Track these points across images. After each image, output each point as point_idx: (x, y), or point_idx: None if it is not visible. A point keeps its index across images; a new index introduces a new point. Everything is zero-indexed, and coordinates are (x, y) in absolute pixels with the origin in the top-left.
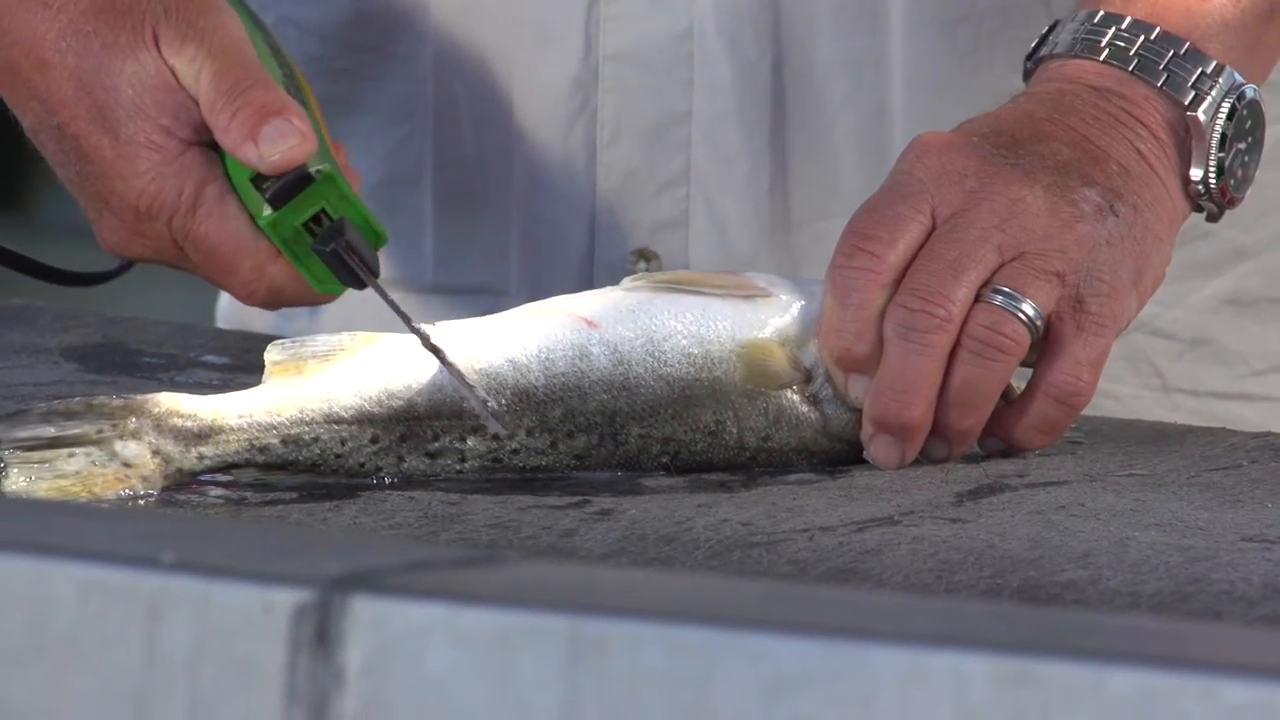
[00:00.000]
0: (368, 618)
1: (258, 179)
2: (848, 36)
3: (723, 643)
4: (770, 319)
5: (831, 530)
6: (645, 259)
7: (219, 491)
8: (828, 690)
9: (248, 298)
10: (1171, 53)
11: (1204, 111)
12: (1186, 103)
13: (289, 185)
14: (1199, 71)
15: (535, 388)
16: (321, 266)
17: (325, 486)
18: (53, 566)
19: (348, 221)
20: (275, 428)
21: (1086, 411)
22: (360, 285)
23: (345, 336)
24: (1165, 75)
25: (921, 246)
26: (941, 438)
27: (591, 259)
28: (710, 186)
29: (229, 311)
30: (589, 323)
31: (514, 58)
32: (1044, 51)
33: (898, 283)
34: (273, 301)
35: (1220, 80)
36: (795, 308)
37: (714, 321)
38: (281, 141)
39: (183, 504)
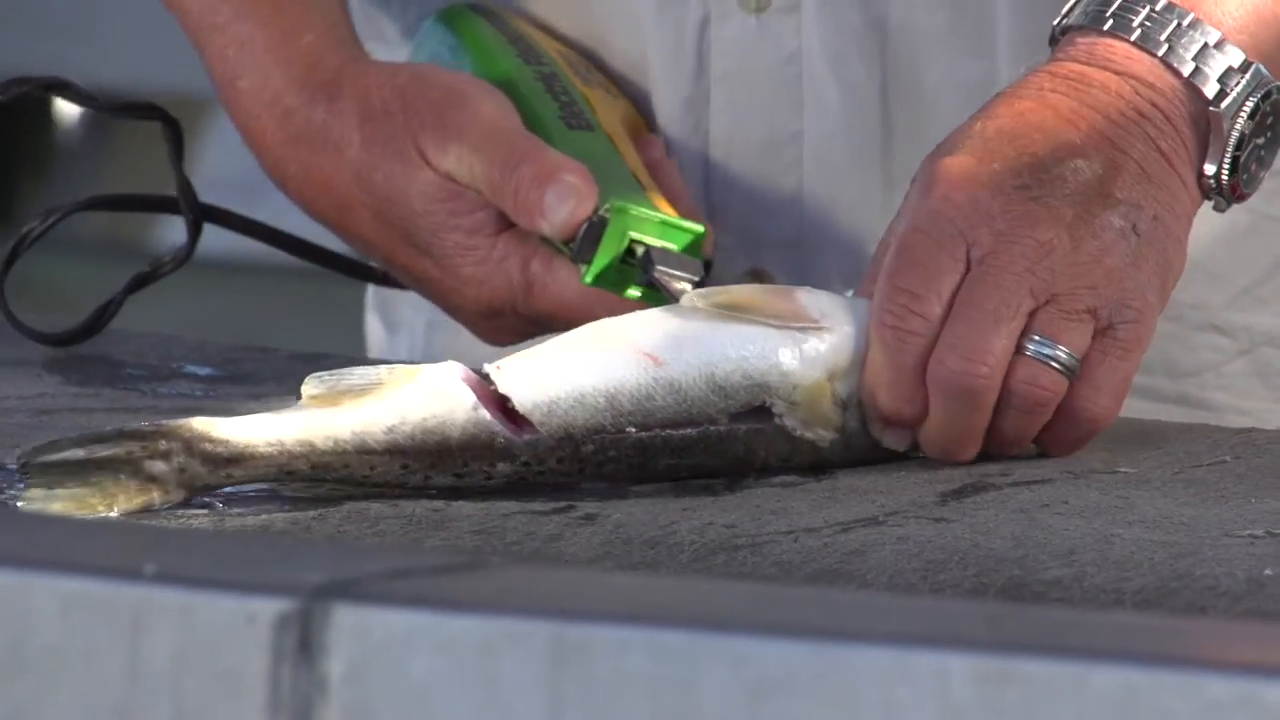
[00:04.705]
0: (350, 626)
1: (567, 241)
2: (955, 58)
3: (706, 646)
4: (823, 354)
5: (816, 532)
6: (760, 280)
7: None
8: (812, 692)
9: None
10: (1202, 42)
11: (1226, 107)
12: (1210, 97)
13: (587, 239)
14: (1226, 65)
15: (604, 426)
16: (658, 292)
17: (309, 495)
18: (34, 579)
19: (655, 250)
20: (306, 456)
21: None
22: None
23: (384, 370)
24: (1193, 66)
25: (960, 286)
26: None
27: (706, 280)
28: (822, 206)
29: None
30: (655, 360)
31: (627, 80)
32: (1072, 20)
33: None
34: None
35: (1246, 76)
36: (843, 342)
37: (771, 359)
38: (562, 207)
39: (164, 515)
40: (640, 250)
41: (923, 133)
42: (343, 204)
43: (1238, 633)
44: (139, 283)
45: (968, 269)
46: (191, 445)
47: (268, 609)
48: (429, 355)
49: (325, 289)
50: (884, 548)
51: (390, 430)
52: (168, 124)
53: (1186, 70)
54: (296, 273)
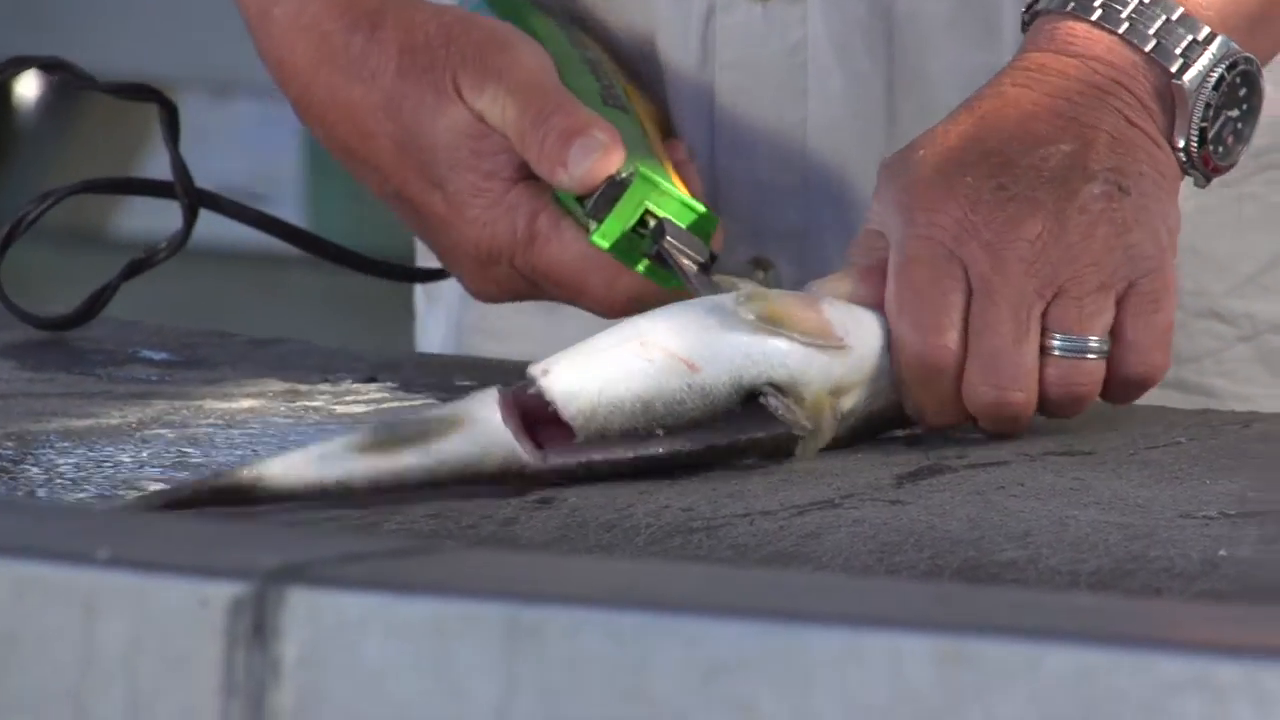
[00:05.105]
0: (304, 610)
1: (582, 199)
2: (961, 48)
3: (661, 627)
4: (835, 373)
5: (772, 514)
6: (763, 268)
7: (158, 486)
8: (766, 673)
9: (608, 313)
10: (1164, 18)
11: (1190, 79)
12: (1173, 70)
13: (604, 197)
14: (1189, 39)
15: (637, 429)
16: (661, 268)
17: None
18: None
19: (668, 222)
20: (342, 493)
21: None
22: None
23: (432, 420)
24: (1154, 41)
25: (969, 304)
26: None
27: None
28: (826, 195)
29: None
30: (691, 366)
31: (638, 65)
32: (1040, 5)
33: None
34: (636, 307)
35: (1211, 48)
36: (859, 363)
37: (792, 371)
38: (586, 159)
39: (119, 498)
40: (653, 222)
41: (927, 122)
42: (364, 131)
43: (1192, 614)
44: (134, 269)
45: (969, 286)
46: (234, 494)
47: (221, 593)
48: (462, 328)
49: (317, 277)
50: (839, 530)
51: (429, 472)
52: (164, 106)
53: (1148, 46)
54: (285, 261)
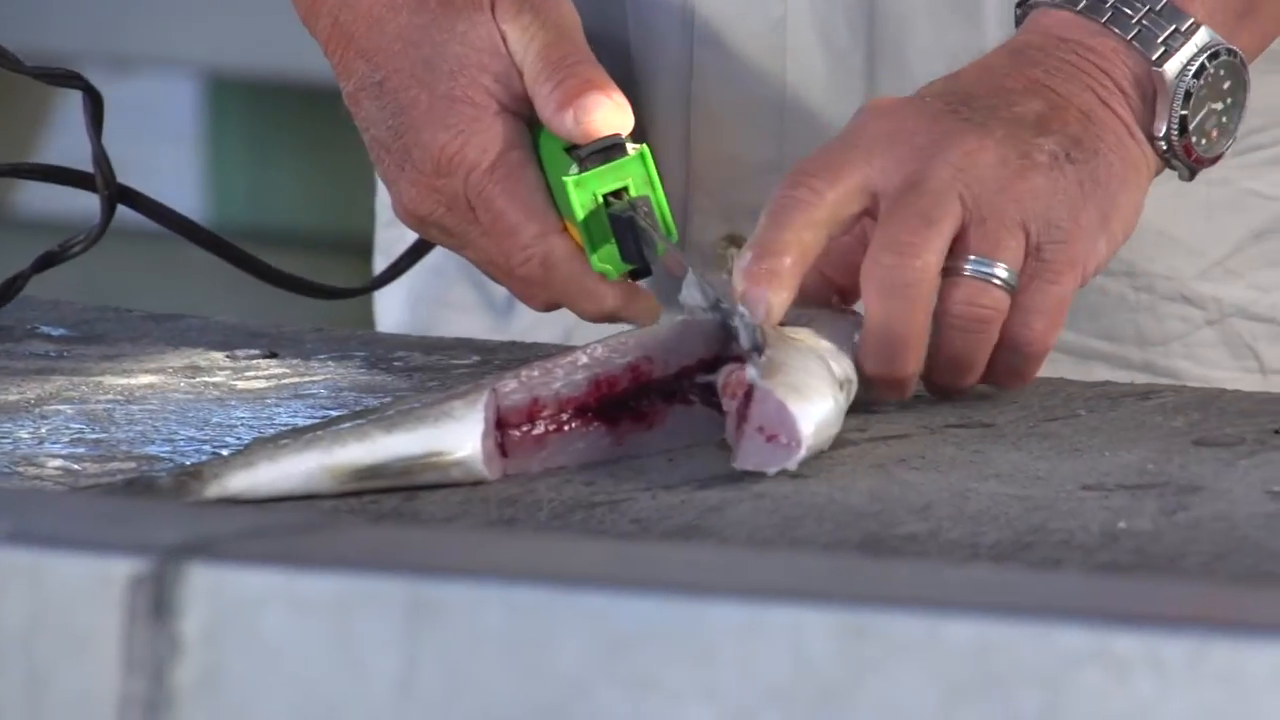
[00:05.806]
0: (204, 586)
1: (572, 148)
2: (942, 28)
3: (563, 602)
4: None
5: (674, 488)
6: (735, 244)
7: (57, 463)
8: (668, 647)
9: (522, 264)
10: (1147, 7)
11: (1170, 68)
12: (1154, 58)
13: (601, 151)
14: (1172, 28)
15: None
16: (607, 246)
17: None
18: None
19: (650, 200)
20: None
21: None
22: (640, 262)
23: (419, 464)
24: (1137, 29)
25: (867, 197)
26: (940, 394)
27: (684, 243)
28: None
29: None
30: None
31: (615, 42)
32: None
33: (832, 225)
34: (542, 276)
35: (1194, 38)
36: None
37: None
38: (597, 110)
39: (18, 475)
40: (625, 199)
41: None
42: (375, 18)
43: (1092, 586)
44: (47, 261)
45: (881, 185)
46: (198, 496)
47: (121, 569)
48: (422, 301)
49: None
50: (742, 504)
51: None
52: (89, 94)
53: (1130, 33)
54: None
